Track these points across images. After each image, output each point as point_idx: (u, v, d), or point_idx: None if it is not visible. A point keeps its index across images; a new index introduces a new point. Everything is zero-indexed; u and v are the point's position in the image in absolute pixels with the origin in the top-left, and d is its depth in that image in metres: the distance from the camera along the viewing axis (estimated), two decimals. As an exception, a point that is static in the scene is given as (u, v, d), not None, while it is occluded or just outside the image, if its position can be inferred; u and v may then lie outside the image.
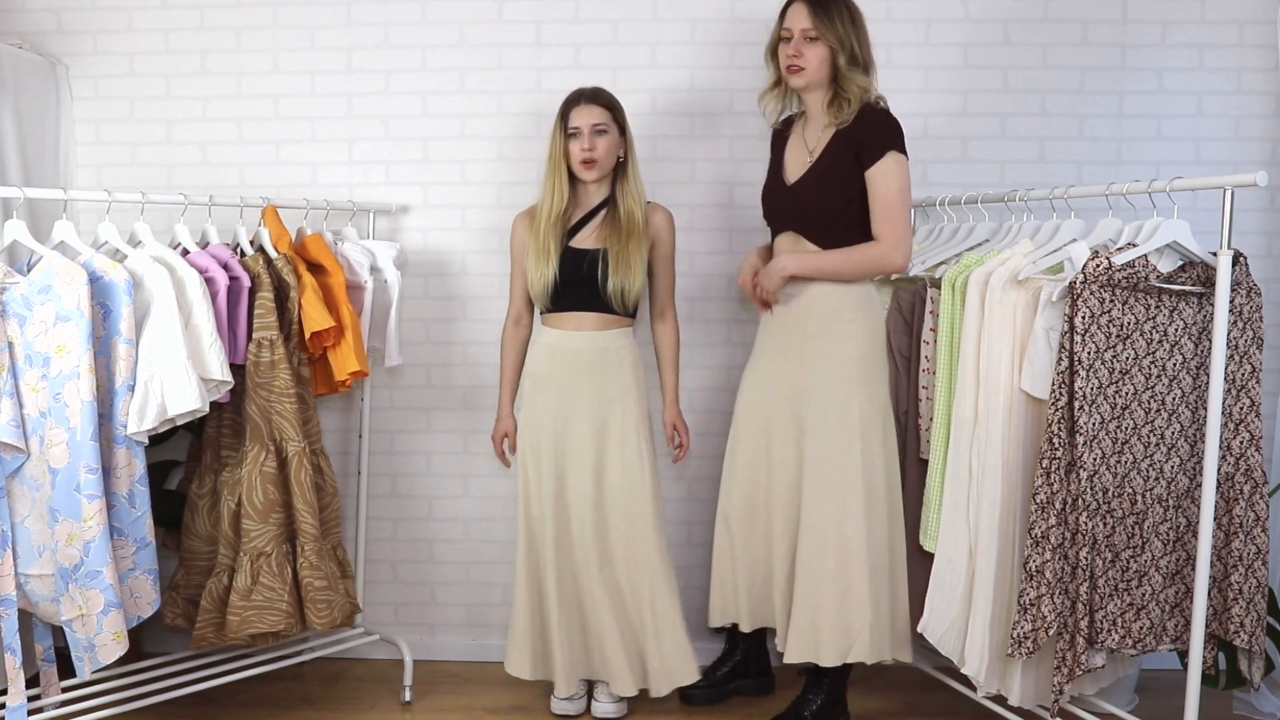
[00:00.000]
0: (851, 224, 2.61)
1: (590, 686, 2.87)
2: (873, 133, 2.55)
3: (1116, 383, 2.29)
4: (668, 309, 2.88)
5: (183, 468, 3.01)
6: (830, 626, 2.62)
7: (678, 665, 2.77)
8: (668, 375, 2.91)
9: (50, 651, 2.52)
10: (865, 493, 2.60)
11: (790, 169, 2.71)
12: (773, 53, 2.68)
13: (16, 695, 2.32)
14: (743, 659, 2.99)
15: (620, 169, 2.80)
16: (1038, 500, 2.29)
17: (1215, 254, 2.16)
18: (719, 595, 2.88)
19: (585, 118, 2.72)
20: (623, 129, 2.78)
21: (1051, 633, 2.28)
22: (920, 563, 2.74)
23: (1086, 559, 2.26)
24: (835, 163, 2.60)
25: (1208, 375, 2.25)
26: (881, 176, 2.54)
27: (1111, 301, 2.26)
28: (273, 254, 2.70)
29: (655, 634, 2.76)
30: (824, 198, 2.61)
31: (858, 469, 2.60)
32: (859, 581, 2.60)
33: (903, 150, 2.57)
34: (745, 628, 2.86)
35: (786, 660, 2.70)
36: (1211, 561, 2.24)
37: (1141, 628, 2.33)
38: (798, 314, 2.68)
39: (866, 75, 2.59)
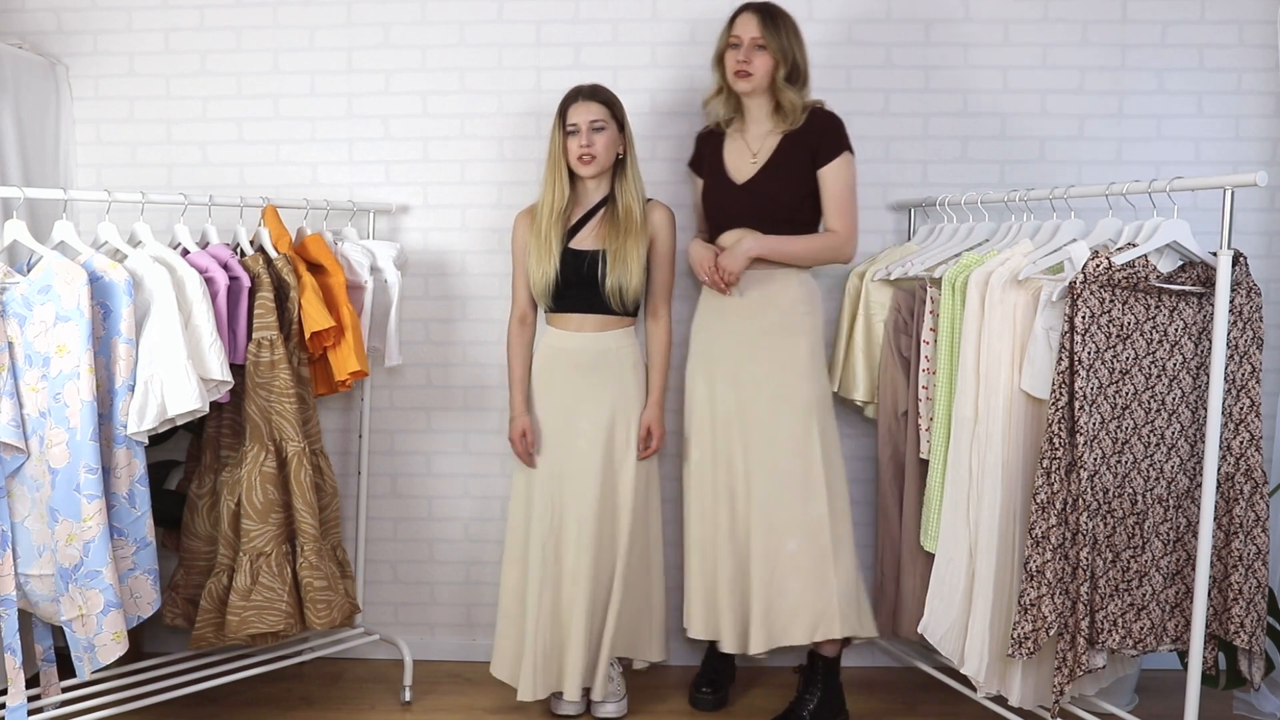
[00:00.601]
0: (802, 219, 2.78)
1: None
2: (827, 134, 2.74)
3: (1116, 383, 2.29)
4: (661, 307, 2.87)
5: (182, 468, 3.01)
6: (794, 607, 2.70)
7: (612, 683, 2.83)
8: (654, 375, 2.87)
9: (50, 651, 2.52)
10: (825, 472, 2.71)
11: (736, 170, 2.81)
12: (719, 60, 2.80)
13: (16, 695, 2.32)
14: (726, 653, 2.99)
15: (619, 166, 2.80)
16: (1038, 500, 2.29)
17: (1215, 254, 2.16)
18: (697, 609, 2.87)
19: (583, 114, 2.73)
20: (621, 126, 2.79)
21: (1052, 633, 2.27)
22: (920, 562, 2.74)
23: (1087, 559, 2.25)
24: (788, 162, 2.75)
25: (1208, 375, 2.25)
26: (835, 174, 2.74)
27: (1111, 301, 2.26)
28: (273, 254, 2.70)
29: (609, 646, 2.77)
30: (779, 194, 2.75)
31: (817, 451, 2.72)
32: (827, 557, 2.69)
33: (852, 150, 2.78)
34: (704, 635, 2.85)
35: (752, 651, 2.74)
36: (1212, 561, 2.24)
37: (1142, 628, 2.32)
38: (756, 306, 2.77)
39: (805, 85, 2.76)
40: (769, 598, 2.71)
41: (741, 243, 2.73)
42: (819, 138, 2.73)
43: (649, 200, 2.85)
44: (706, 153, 2.90)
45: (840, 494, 2.75)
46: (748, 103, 2.79)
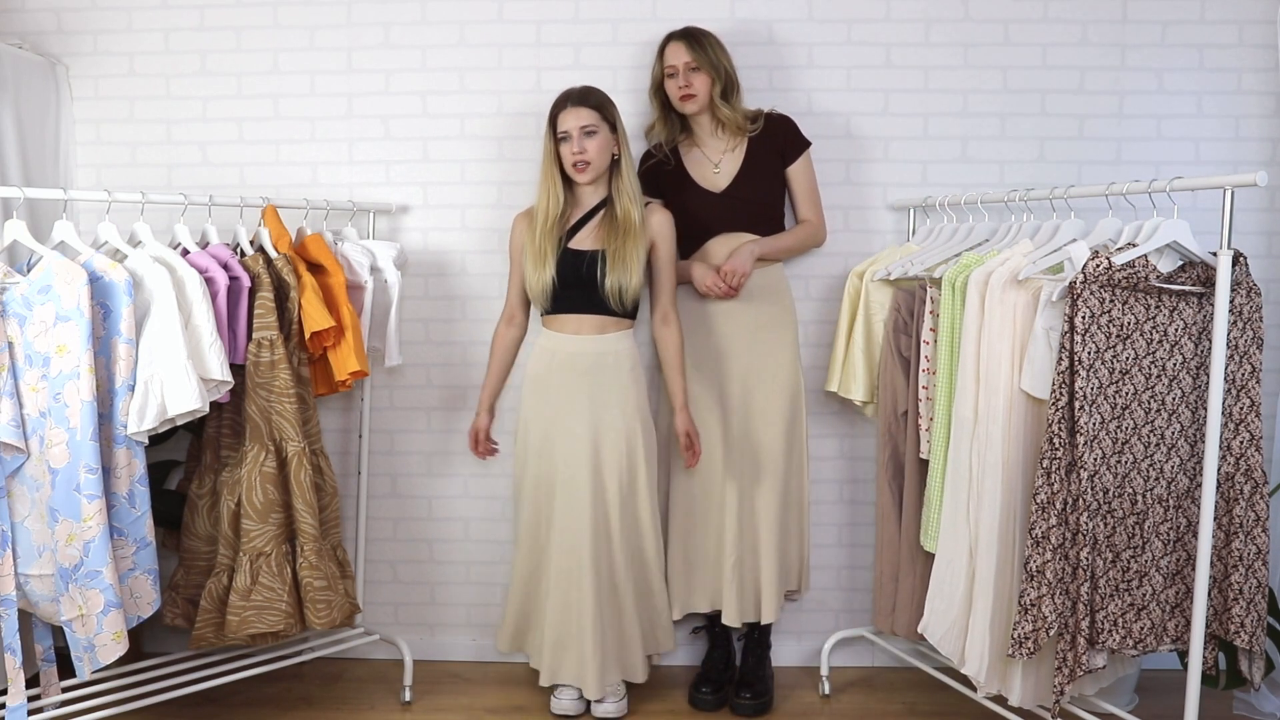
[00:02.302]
0: (779, 213, 3.02)
1: None
2: (790, 136, 2.97)
3: (1116, 383, 2.29)
4: (670, 312, 2.86)
5: (182, 468, 3.01)
6: (781, 580, 2.95)
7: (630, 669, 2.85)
8: (675, 380, 2.84)
9: (50, 651, 2.52)
10: (803, 450, 3.01)
11: (707, 181, 2.96)
12: (657, 89, 2.97)
13: (16, 695, 2.32)
14: (726, 652, 3.08)
15: (615, 167, 2.79)
16: (1038, 500, 2.29)
17: (1215, 254, 2.16)
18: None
19: (573, 120, 2.72)
20: (614, 126, 2.77)
21: (1052, 633, 2.27)
22: (919, 562, 2.74)
23: (1087, 559, 2.25)
24: (761, 165, 2.95)
25: (1208, 375, 2.25)
26: (803, 171, 3.00)
27: (1111, 301, 2.26)
28: (273, 254, 2.70)
29: (620, 641, 2.81)
30: (760, 196, 2.95)
31: (803, 436, 2.99)
32: (803, 529, 3.02)
33: (810, 143, 3.01)
34: (706, 608, 2.99)
35: (766, 620, 2.92)
36: (1212, 561, 2.24)
37: (1142, 628, 2.33)
38: (754, 304, 2.93)
39: (738, 93, 2.95)
40: (773, 570, 2.90)
41: (744, 247, 2.88)
42: (784, 140, 2.96)
43: (648, 203, 2.84)
44: (662, 176, 2.99)
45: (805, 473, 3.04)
46: (697, 120, 2.96)
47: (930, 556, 2.64)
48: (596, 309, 2.76)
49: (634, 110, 3.00)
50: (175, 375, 2.34)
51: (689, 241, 2.97)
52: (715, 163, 2.96)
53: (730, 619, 2.91)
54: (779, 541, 2.91)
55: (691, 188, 2.95)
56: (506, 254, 3.10)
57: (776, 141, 2.95)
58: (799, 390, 2.96)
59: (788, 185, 3.01)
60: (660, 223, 2.83)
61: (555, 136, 2.75)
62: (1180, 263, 2.29)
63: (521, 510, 2.86)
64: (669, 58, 2.90)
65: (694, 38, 2.89)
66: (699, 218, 2.94)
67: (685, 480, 2.95)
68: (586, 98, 2.75)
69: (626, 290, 2.74)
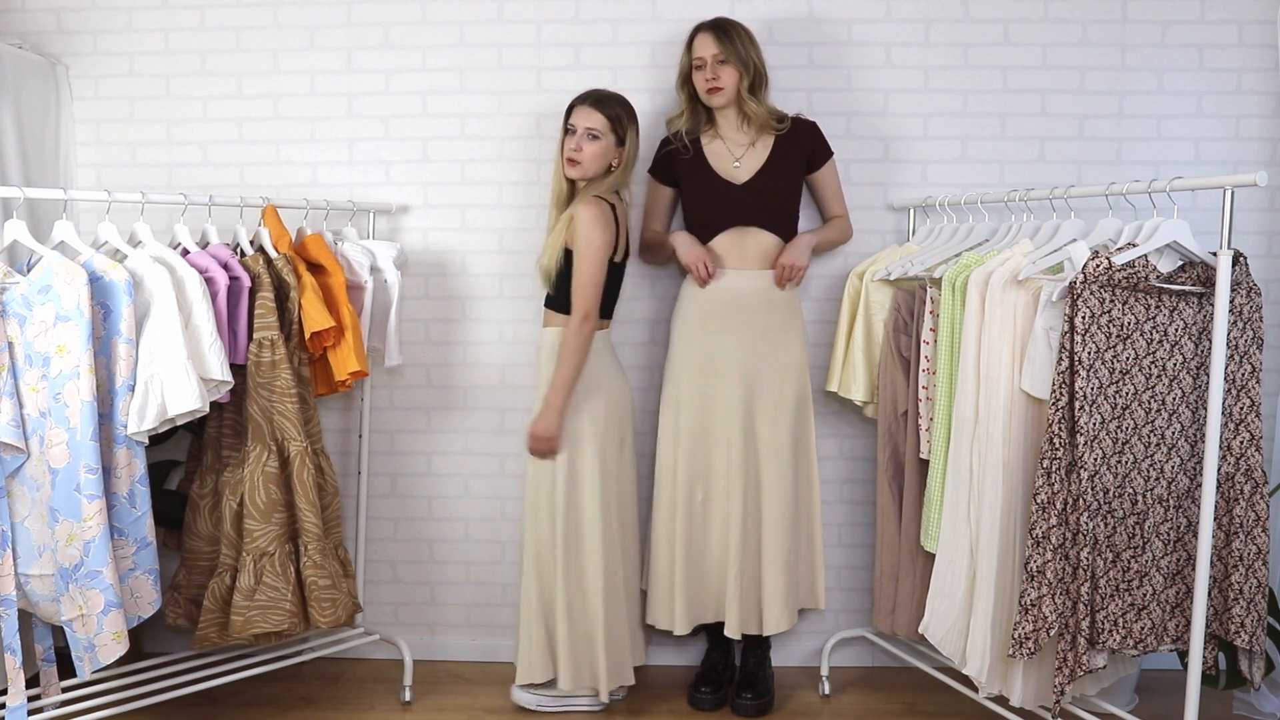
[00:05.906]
0: (795, 212, 2.98)
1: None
2: (818, 140, 2.98)
3: (1117, 383, 2.29)
4: (575, 306, 2.72)
5: (183, 468, 3.01)
6: (790, 589, 2.90)
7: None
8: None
9: (50, 651, 2.52)
10: (811, 459, 2.99)
11: (727, 173, 2.93)
12: (685, 80, 2.94)
13: (16, 695, 2.32)
14: (726, 652, 3.07)
15: (611, 176, 2.78)
16: (1038, 500, 2.29)
17: (1215, 254, 2.16)
18: (662, 597, 2.94)
19: (582, 119, 2.73)
20: (621, 140, 2.76)
21: (1053, 633, 2.28)
22: (920, 562, 2.74)
23: (1087, 559, 2.26)
24: (785, 163, 2.92)
25: (1208, 375, 2.25)
26: (831, 173, 3.04)
27: (1111, 301, 2.26)
28: (273, 254, 2.70)
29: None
30: (782, 191, 2.93)
31: (812, 442, 2.98)
32: (814, 539, 2.99)
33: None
34: (681, 630, 2.90)
35: (768, 631, 2.89)
36: (1212, 561, 2.24)
37: (1142, 628, 2.33)
38: (764, 306, 2.89)
39: (766, 87, 2.92)
40: (781, 580, 2.85)
41: (802, 238, 2.93)
42: (811, 145, 2.96)
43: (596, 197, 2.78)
44: (679, 163, 2.97)
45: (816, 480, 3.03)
46: (723, 113, 2.93)
47: (930, 556, 2.64)
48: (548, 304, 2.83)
49: (635, 110, 2.99)
50: (175, 375, 2.34)
51: (701, 230, 2.94)
52: (736, 156, 2.92)
53: (731, 630, 2.86)
54: (786, 552, 2.86)
55: (710, 177, 2.92)
56: (507, 254, 3.14)
57: (803, 146, 2.94)
58: (806, 394, 2.93)
59: (814, 188, 3.03)
60: (575, 217, 2.69)
61: (564, 126, 2.76)
62: (1180, 263, 2.29)
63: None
64: (697, 49, 2.86)
65: (723, 30, 2.84)
66: (715, 208, 2.92)
67: (690, 488, 2.89)
68: (603, 103, 2.74)
69: (549, 277, 2.76)
